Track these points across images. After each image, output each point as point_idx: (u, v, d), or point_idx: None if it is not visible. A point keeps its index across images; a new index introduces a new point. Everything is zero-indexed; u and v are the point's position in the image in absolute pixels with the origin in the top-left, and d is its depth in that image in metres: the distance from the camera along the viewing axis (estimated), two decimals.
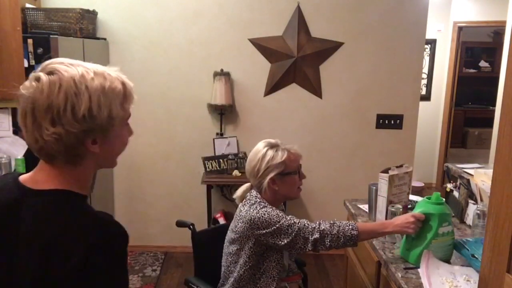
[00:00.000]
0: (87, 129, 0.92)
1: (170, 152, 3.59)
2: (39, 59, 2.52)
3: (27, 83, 0.92)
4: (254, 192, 1.83)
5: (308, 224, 1.68)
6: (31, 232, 0.91)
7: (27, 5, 2.97)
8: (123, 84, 1.02)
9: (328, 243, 1.64)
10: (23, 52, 2.49)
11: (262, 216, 1.69)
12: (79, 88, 0.90)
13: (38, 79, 0.90)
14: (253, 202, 1.78)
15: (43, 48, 2.52)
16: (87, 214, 0.96)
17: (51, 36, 2.54)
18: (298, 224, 1.67)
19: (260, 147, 1.83)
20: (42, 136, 0.90)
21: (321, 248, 1.66)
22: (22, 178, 1.00)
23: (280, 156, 1.79)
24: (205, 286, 1.94)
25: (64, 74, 0.91)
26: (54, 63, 0.95)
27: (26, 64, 2.51)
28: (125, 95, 1.02)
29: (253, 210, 1.73)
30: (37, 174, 0.99)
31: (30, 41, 2.51)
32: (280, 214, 1.71)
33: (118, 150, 1.07)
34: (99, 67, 1.00)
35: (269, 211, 1.72)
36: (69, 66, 0.95)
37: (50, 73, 0.91)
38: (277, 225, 1.67)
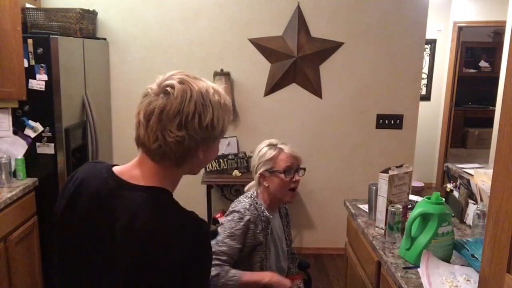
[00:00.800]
0: (206, 137, 1.02)
1: None
2: (39, 59, 2.53)
3: (154, 86, 1.02)
4: (252, 191, 1.93)
5: (215, 255, 1.72)
6: (128, 226, 0.95)
7: (27, 5, 2.97)
8: (230, 102, 1.10)
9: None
10: (23, 52, 2.49)
11: (224, 222, 1.82)
12: (205, 100, 0.99)
13: (172, 86, 0.98)
14: (240, 199, 1.89)
15: (43, 48, 2.52)
16: (182, 212, 1.05)
17: (51, 36, 2.54)
18: (216, 246, 1.75)
19: (261, 145, 1.92)
20: (165, 137, 0.99)
21: None
22: (116, 170, 1.08)
23: (269, 154, 1.86)
24: None
25: (194, 86, 0.99)
26: (180, 73, 1.03)
27: (26, 64, 2.51)
28: (230, 112, 1.09)
29: (231, 209, 1.86)
30: (135, 168, 1.07)
31: (30, 41, 2.51)
32: (227, 231, 1.78)
33: (211, 159, 1.16)
34: (213, 84, 1.07)
35: (229, 222, 1.80)
36: (194, 79, 1.02)
37: (181, 82, 0.99)
38: (218, 238, 1.78)
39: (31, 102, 2.55)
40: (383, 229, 1.83)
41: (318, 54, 3.45)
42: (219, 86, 1.08)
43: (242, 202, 1.85)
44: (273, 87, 3.50)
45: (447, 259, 1.58)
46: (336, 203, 3.44)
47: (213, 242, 1.74)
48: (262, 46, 3.44)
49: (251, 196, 1.88)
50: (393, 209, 1.76)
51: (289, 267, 2.03)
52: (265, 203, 1.89)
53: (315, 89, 3.51)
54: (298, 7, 3.39)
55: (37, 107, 2.57)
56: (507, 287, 1.02)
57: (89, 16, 3.14)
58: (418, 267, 1.53)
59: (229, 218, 1.82)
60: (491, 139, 4.48)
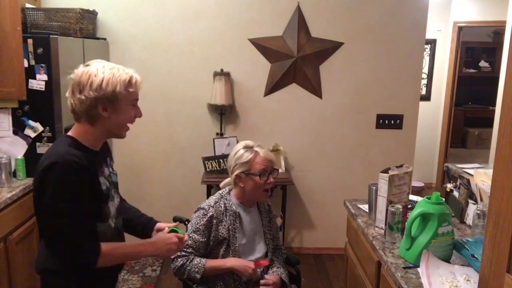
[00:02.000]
0: (97, 97, 1.39)
1: (170, 152, 3.59)
2: (39, 59, 2.53)
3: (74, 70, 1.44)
4: (227, 188, 2.07)
5: (183, 250, 1.92)
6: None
7: (27, 5, 2.97)
8: (131, 76, 1.46)
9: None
10: (23, 52, 2.49)
11: (192, 218, 2.00)
12: (97, 73, 1.41)
13: (77, 68, 1.43)
14: (210, 197, 2.06)
15: (43, 48, 2.52)
16: (62, 147, 1.40)
17: (51, 36, 2.54)
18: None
19: (238, 147, 2.03)
20: (73, 101, 1.41)
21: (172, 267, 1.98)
22: None
23: (246, 156, 1.96)
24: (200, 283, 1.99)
25: (92, 65, 1.44)
26: (92, 61, 1.47)
27: (26, 64, 2.51)
28: (129, 82, 1.45)
29: (198, 206, 2.02)
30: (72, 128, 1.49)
31: (30, 41, 2.51)
32: (192, 227, 1.96)
33: (123, 121, 1.49)
34: (119, 66, 1.47)
35: (195, 218, 1.97)
36: (99, 62, 1.46)
37: (86, 65, 1.45)
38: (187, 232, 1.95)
39: (31, 102, 2.55)
40: (383, 229, 1.83)
41: (318, 54, 3.45)
42: (131, 69, 1.47)
43: (209, 200, 2.03)
44: (273, 87, 3.50)
45: (447, 259, 1.58)
46: (336, 203, 3.44)
47: None
48: (262, 46, 3.44)
49: (221, 194, 2.04)
50: (393, 209, 1.76)
51: (272, 260, 2.09)
52: (237, 200, 2.03)
53: (315, 89, 3.51)
54: (298, 7, 3.39)
55: (37, 107, 2.57)
56: (507, 287, 1.02)
57: (89, 16, 3.14)
58: (418, 267, 1.53)
59: (195, 214, 1.99)
60: (491, 139, 4.48)
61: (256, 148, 1.99)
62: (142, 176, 3.61)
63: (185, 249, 1.92)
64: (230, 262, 1.92)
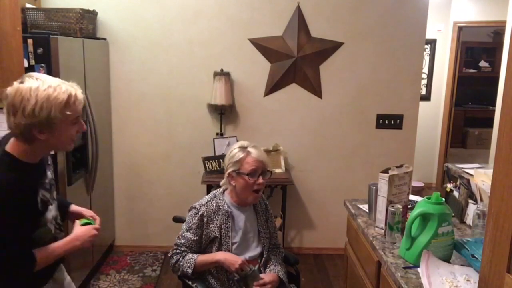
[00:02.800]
0: (31, 123, 1.33)
1: (170, 152, 3.59)
2: (39, 59, 2.52)
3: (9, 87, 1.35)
4: (222, 188, 2.11)
5: (176, 247, 2.01)
6: None
7: (27, 5, 2.97)
8: (69, 96, 1.38)
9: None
10: (23, 52, 2.49)
11: (186, 217, 2.05)
12: (30, 95, 1.32)
13: (11, 86, 1.35)
14: (209, 194, 2.10)
15: (43, 48, 2.52)
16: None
17: (51, 36, 2.54)
18: (177, 239, 2.02)
19: (233, 146, 2.07)
20: (9, 122, 1.36)
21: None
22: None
23: (238, 156, 2.00)
24: (198, 281, 2.02)
25: (25, 84, 1.34)
26: (28, 75, 1.38)
27: (26, 64, 2.51)
28: (66, 103, 1.37)
29: (191, 205, 2.07)
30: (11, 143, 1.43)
31: (30, 41, 2.51)
32: (185, 225, 2.02)
33: (65, 140, 1.45)
34: (56, 82, 1.38)
35: (188, 217, 2.03)
36: (34, 79, 1.36)
37: (20, 82, 1.35)
38: (180, 232, 2.04)
39: None
40: (383, 229, 1.83)
41: (318, 54, 3.45)
42: (73, 84, 1.42)
43: (201, 199, 2.07)
44: (273, 87, 3.50)
45: (447, 259, 1.58)
46: (336, 203, 3.44)
47: (177, 236, 2.04)
48: (262, 46, 3.44)
49: (214, 193, 2.08)
50: (393, 209, 1.76)
51: (270, 259, 2.11)
52: (232, 199, 2.06)
53: (315, 89, 3.51)
54: (298, 7, 3.39)
55: None
56: (507, 287, 1.02)
57: (89, 16, 3.14)
58: (418, 267, 1.53)
59: (188, 214, 2.04)
60: (491, 139, 4.48)
61: (249, 149, 2.01)
62: (142, 176, 3.61)
63: (180, 247, 2.00)
64: (219, 255, 1.96)
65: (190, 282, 1.98)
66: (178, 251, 2.00)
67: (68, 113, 1.37)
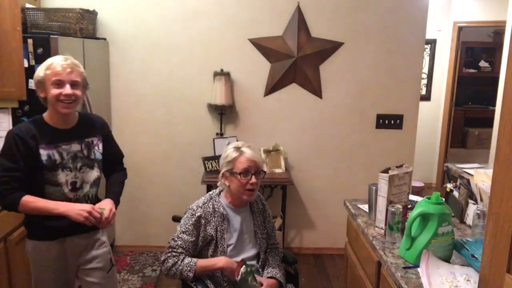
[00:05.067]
0: (35, 84, 1.84)
1: (170, 152, 3.59)
2: (39, 59, 2.52)
3: None
4: (218, 189, 2.11)
5: (171, 249, 1.97)
6: None
7: (27, 5, 2.97)
8: (51, 62, 1.81)
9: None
10: (23, 52, 2.49)
11: (182, 219, 2.05)
12: (40, 65, 1.84)
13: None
14: (204, 196, 2.09)
15: (43, 48, 2.52)
16: (24, 122, 1.89)
17: (51, 36, 2.54)
18: (171, 242, 2.00)
19: (228, 146, 2.09)
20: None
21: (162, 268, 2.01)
22: None
23: (231, 156, 2.01)
24: (196, 280, 2.00)
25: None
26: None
27: (26, 64, 2.51)
28: (48, 67, 1.80)
29: (188, 207, 2.08)
30: None
31: (30, 41, 2.51)
32: (181, 227, 2.00)
33: (51, 99, 1.80)
34: (57, 57, 1.85)
35: (184, 219, 2.02)
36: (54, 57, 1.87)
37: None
38: (175, 234, 2.02)
39: (31, 102, 2.55)
40: (383, 229, 1.83)
41: (318, 54, 3.45)
42: (60, 56, 1.84)
43: (198, 201, 2.06)
44: (273, 87, 3.50)
45: (447, 259, 1.58)
46: (336, 203, 3.44)
47: (170, 238, 2.01)
48: (262, 46, 3.44)
49: (210, 195, 2.09)
50: (393, 209, 1.76)
51: (268, 259, 2.11)
52: (226, 200, 2.06)
53: (315, 89, 3.51)
54: (298, 7, 3.39)
55: (37, 107, 2.55)
56: (507, 287, 1.02)
57: (89, 16, 3.14)
58: (418, 267, 1.53)
59: (184, 216, 2.03)
60: (491, 139, 4.48)
61: (243, 148, 2.02)
62: (142, 176, 3.61)
63: (175, 249, 1.96)
64: (221, 263, 1.93)
65: (189, 281, 1.98)
66: (174, 253, 1.96)
67: (47, 72, 1.76)
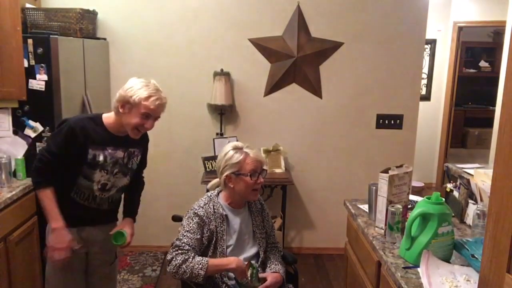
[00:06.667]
0: (121, 95, 1.88)
1: (170, 152, 3.59)
2: (39, 59, 2.53)
3: None
4: (216, 190, 2.10)
5: (178, 248, 1.91)
6: None
7: (27, 5, 2.97)
8: (150, 95, 1.92)
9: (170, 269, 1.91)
10: (23, 52, 2.49)
11: (183, 220, 2.02)
12: (133, 83, 1.91)
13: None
14: (199, 199, 2.07)
15: (43, 48, 2.52)
16: (84, 116, 2.07)
17: (51, 36, 2.54)
18: (176, 241, 1.94)
19: (227, 148, 2.05)
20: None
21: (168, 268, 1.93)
22: None
23: (236, 158, 1.99)
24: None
25: (136, 78, 1.96)
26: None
27: (26, 64, 2.51)
28: (146, 98, 1.90)
29: (189, 208, 2.05)
30: None
31: (30, 41, 2.51)
32: (185, 227, 1.96)
33: (129, 122, 1.91)
34: (154, 86, 1.97)
35: (186, 220, 1.99)
36: (145, 79, 1.97)
37: (139, 77, 1.98)
38: (178, 235, 1.97)
39: (31, 102, 2.55)
40: (383, 229, 1.83)
41: (318, 54, 3.45)
42: (159, 91, 1.95)
43: (198, 202, 2.05)
44: (273, 87, 3.50)
45: (447, 259, 1.58)
46: (336, 203, 3.44)
47: (174, 238, 1.96)
48: (262, 46, 3.44)
49: (209, 197, 2.06)
50: (393, 209, 1.76)
51: (269, 257, 2.12)
52: (225, 202, 2.06)
53: (315, 89, 3.51)
54: (298, 7, 3.39)
55: (37, 107, 2.57)
56: (507, 287, 1.02)
57: (89, 16, 3.14)
58: (418, 267, 1.53)
59: (186, 216, 2.01)
60: (491, 139, 4.48)
61: (245, 149, 2.02)
62: None
63: (182, 247, 1.90)
64: (235, 263, 1.90)
65: (188, 281, 1.97)
66: (181, 251, 1.89)
67: (143, 103, 1.84)
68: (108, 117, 1.96)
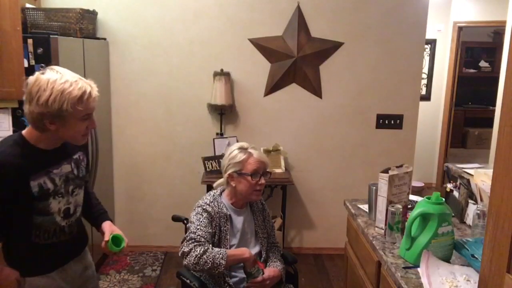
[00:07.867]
0: (43, 113, 1.41)
1: (170, 152, 3.59)
2: (39, 59, 2.52)
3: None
4: (219, 190, 2.11)
5: (194, 240, 1.89)
6: None
7: (27, 5, 2.97)
8: (83, 92, 1.45)
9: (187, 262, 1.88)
10: (23, 52, 2.49)
11: (192, 217, 2.00)
12: (47, 87, 1.40)
13: (32, 76, 1.45)
14: (203, 197, 2.08)
15: (43, 48, 2.52)
16: (3, 146, 1.48)
17: (51, 36, 2.54)
18: (190, 234, 1.91)
19: (232, 147, 2.08)
20: (25, 109, 1.46)
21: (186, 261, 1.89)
22: None
23: (240, 157, 2.01)
24: (195, 279, 2.00)
25: (45, 75, 1.42)
26: (50, 68, 1.47)
27: (26, 64, 2.51)
28: (79, 99, 1.44)
29: (196, 205, 2.04)
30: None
31: (30, 41, 2.51)
32: (196, 222, 1.95)
33: (74, 134, 1.53)
34: (75, 78, 1.46)
35: (195, 215, 1.98)
36: (55, 72, 1.45)
37: (42, 73, 1.44)
38: (189, 232, 1.95)
39: None
40: (383, 229, 1.83)
41: (318, 54, 3.45)
42: (90, 81, 1.50)
43: (204, 199, 2.05)
44: (273, 87, 3.50)
45: (447, 259, 1.58)
46: (336, 203, 3.44)
47: (186, 235, 1.95)
48: (262, 46, 3.44)
49: (213, 196, 2.07)
50: (393, 209, 1.76)
51: (269, 256, 2.13)
52: (229, 201, 2.07)
53: (315, 89, 3.51)
54: (298, 7, 3.39)
55: None
56: (507, 287, 1.02)
57: (89, 16, 3.14)
58: (418, 267, 1.53)
59: (194, 212, 2.01)
60: (491, 139, 4.48)
61: (250, 150, 2.04)
62: (142, 176, 3.61)
63: (198, 239, 1.88)
64: (248, 253, 1.93)
65: (188, 281, 1.98)
66: (198, 242, 1.87)
67: (79, 108, 1.44)
68: (31, 133, 1.51)
